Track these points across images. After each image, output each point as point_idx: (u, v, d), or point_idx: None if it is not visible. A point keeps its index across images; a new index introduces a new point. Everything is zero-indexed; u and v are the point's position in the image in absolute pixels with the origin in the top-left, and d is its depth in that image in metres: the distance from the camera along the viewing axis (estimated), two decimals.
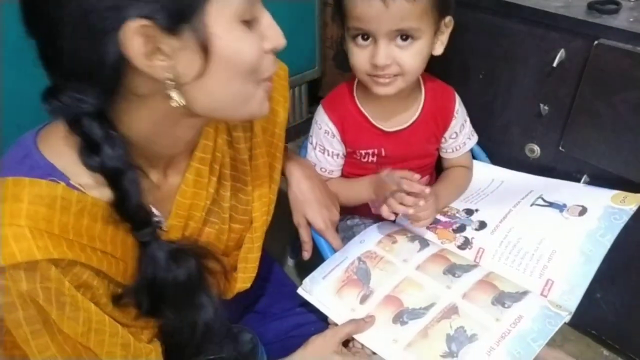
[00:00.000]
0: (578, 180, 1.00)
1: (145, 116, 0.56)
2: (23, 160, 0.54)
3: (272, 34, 0.57)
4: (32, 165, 0.54)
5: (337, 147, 0.97)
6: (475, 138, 1.05)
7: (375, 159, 0.97)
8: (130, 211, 0.56)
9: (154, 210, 0.63)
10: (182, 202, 0.69)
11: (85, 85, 0.50)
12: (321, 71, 1.76)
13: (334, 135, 0.96)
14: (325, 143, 0.97)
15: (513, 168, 1.06)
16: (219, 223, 0.76)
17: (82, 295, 0.55)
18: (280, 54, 0.89)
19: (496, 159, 1.11)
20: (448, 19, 0.85)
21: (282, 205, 0.94)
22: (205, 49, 0.50)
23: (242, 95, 0.57)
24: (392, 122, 0.95)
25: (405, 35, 0.80)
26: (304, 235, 0.93)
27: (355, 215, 1.07)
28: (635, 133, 0.89)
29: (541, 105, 1.01)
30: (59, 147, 0.55)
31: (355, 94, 0.96)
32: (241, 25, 0.53)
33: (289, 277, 1.04)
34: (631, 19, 0.89)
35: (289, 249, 1.43)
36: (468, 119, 1.03)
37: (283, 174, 0.93)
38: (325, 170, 0.99)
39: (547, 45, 0.95)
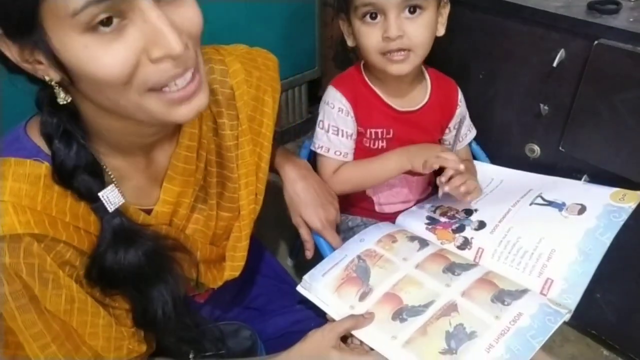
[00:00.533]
0: (578, 180, 1.00)
1: (87, 109, 0.57)
2: (12, 143, 0.58)
3: (158, 39, 0.49)
4: (18, 147, 0.57)
5: (350, 126, 0.95)
6: (474, 131, 1.07)
7: (385, 143, 0.97)
8: (63, 175, 0.57)
9: (111, 189, 0.61)
10: (170, 188, 0.70)
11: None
12: (321, 71, 1.76)
13: (348, 113, 0.94)
14: (340, 122, 0.95)
15: (513, 168, 1.06)
16: (207, 209, 0.77)
17: (63, 273, 0.57)
18: (280, 54, 0.89)
19: (496, 158, 1.11)
20: (446, 8, 0.89)
21: (282, 205, 0.94)
22: (57, 61, 0.48)
23: (129, 105, 0.53)
24: (403, 102, 0.96)
25: (413, 7, 0.83)
26: (305, 234, 0.93)
27: (357, 217, 1.07)
28: (635, 133, 0.89)
29: (541, 105, 1.01)
30: None
31: (364, 74, 0.97)
32: (90, 34, 0.46)
33: (288, 274, 1.04)
34: (631, 19, 0.89)
35: (289, 249, 1.44)
36: (467, 114, 1.05)
37: (278, 174, 0.93)
38: (340, 153, 0.96)
39: (547, 45, 0.96)
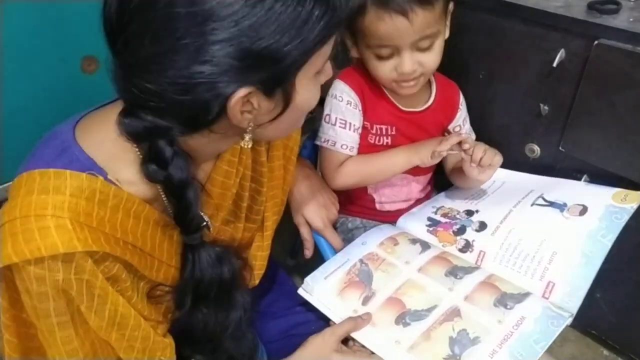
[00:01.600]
0: (578, 180, 1.00)
1: (204, 139, 0.58)
2: (62, 154, 0.56)
3: (328, 68, 0.63)
4: (71, 159, 0.55)
5: (357, 119, 0.95)
6: (473, 136, 1.06)
7: (389, 140, 0.97)
8: (190, 220, 0.59)
9: (203, 214, 0.65)
10: (208, 201, 0.70)
11: (175, 121, 0.54)
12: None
13: (356, 106, 0.94)
14: (348, 115, 0.94)
15: (513, 168, 1.06)
16: (235, 222, 0.78)
17: (112, 289, 0.56)
18: None
19: None
20: (450, 5, 0.87)
21: None
22: (287, 103, 0.57)
23: (294, 126, 0.66)
24: (408, 103, 0.96)
25: (425, 40, 0.83)
26: (305, 233, 0.93)
27: (356, 218, 1.07)
28: (635, 133, 0.89)
29: (541, 105, 1.01)
30: (99, 142, 0.57)
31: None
32: (315, 76, 0.59)
33: (288, 276, 1.04)
34: (631, 19, 0.89)
35: (289, 249, 1.43)
36: (467, 116, 1.05)
37: None
38: (346, 147, 0.95)
39: (547, 45, 0.95)
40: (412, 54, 0.83)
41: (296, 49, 0.52)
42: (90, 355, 0.58)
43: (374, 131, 0.96)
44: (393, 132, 0.96)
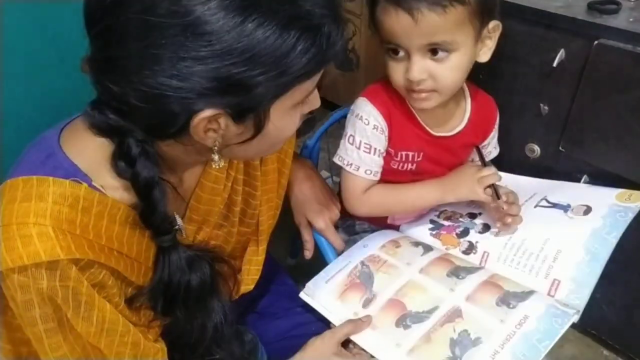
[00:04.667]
0: (578, 180, 1.00)
1: (179, 149, 0.58)
2: (46, 160, 0.55)
3: (314, 101, 0.62)
4: (55, 166, 0.54)
5: (383, 144, 0.87)
6: (497, 150, 1.01)
7: (414, 167, 0.90)
8: (157, 221, 0.58)
9: (177, 217, 0.65)
10: (197, 207, 0.69)
11: (136, 126, 0.53)
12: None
13: (382, 131, 0.86)
14: (373, 140, 0.86)
15: (513, 168, 1.05)
16: (228, 226, 0.77)
17: (97, 294, 0.55)
18: None
19: (496, 159, 1.10)
20: (493, 25, 0.78)
21: (283, 205, 0.93)
22: (258, 130, 0.56)
23: (268, 150, 0.66)
24: (439, 126, 0.89)
25: (436, 50, 0.75)
26: (305, 234, 0.93)
27: (364, 222, 1.05)
28: (635, 133, 0.89)
29: (541, 105, 1.01)
30: (83, 149, 0.56)
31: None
32: (293, 109, 0.58)
33: (289, 276, 1.04)
34: (631, 19, 0.89)
35: (289, 249, 1.43)
36: (497, 132, 0.99)
37: None
38: (371, 172, 0.88)
39: (547, 45, 0.95)
40: (423, 61, 0.75)
41: (271, 80, 0.50)
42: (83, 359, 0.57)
43: (398, 158, 0.89)
44: (419, 159, 0.90)
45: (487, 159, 0.99)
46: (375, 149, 0.87)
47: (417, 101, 0.81)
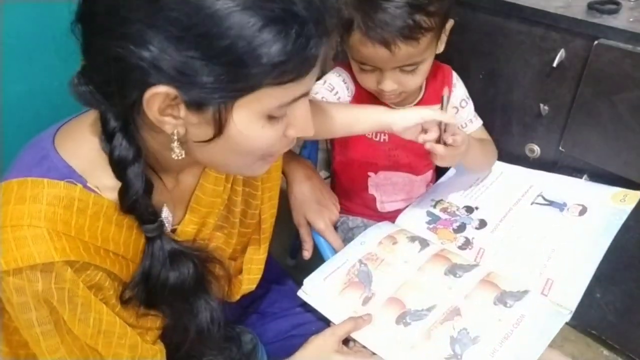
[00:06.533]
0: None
1: (157, 138, 0.56)
2: (41, 162, 0.54)
3: (302, 124, 0.57)
4: (49, 167, 0.54)
5: (346, 98, 0.94)
6: (479, 121, 1.02)
7: (386, 137, 0.97)
8: (131, 202, 0.56)
9: (165, 210, 0.64)
10: (197, 208, 0.69)
11: (109, 93, 0.51)
12: (321, 71, 1.75)
13: (352, 93, 0.94)
14: (340, 90, 0.94)
15: None
16: (228, 227, 0.76)
17: (94, 296, 0.55)
18: None
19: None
20: (448, 25, 0.86)
21: (282, 205, 0.94)
22: (219, 129, 0.52)
23: (239, 163, 0.59)
24: (402, 102, 0.95)
25: (409, 66, 0.83)
26: (304, 234, 0.93)
27: (357, 217, 1.07)
28: (635, 133, 0.89)
29: (541, 105, 1.01)
30: (77, 149, 0.56)
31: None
32: (264, 119, 0.53)
33: (289, 276, 1.04)
34: (631, 19, 0.89)
35: (289, 249, 1.43)
36: (471, 102, 1.01)
37: (283, 173, 0.92)
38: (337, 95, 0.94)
39: (547, 45, 0.95)
40: (394, 74, 0.83)
41: (225, 69, 0.47)
42: None
43: (370, 134, 0.96)
44: (386, 135, 0.96)
45: (467, 129, 1.01)
46: (337, 91, 0.93)
47: (387, 100, 0.90)
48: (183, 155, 0.55)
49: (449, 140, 0.81)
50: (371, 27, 0.77)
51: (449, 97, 0.82)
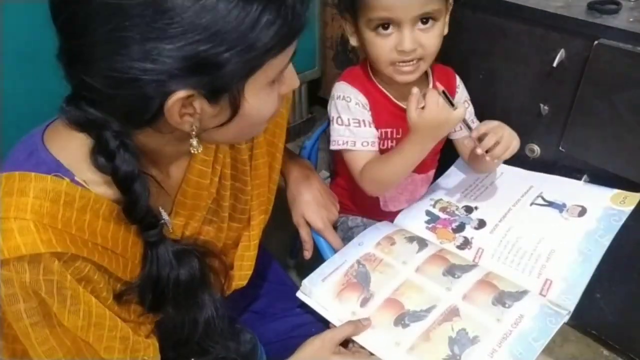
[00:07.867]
0: (578, 180, 1.00)
1: (157, 138, 0.58)
2: (29, 157, 0.55)
3: (290, 79, 0.61)
4: (37, 162, 0.54)
5: (368, 117, 0.92)
6: (477, 123, 1.01)
7: (394, 144, 0.95)
8: (139, 215, 0.57)
9: (162, 211, 0.64)
10: (184, 201, 0.69)
11: (111, 116, 0.53)
12: (321, 71, 1.76)
13: (364, 106, 0.91)
14: (359, 114, 0.91)
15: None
16: (218, 222, 0.76)
17: (83, 289, 0.55)
18: None
19: None
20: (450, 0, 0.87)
21: (282, 205, 0.94)
22: (235, 111, 0.55)
23: (250, 133, 0.65)
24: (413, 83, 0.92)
25: (426, 18, 0.82)
26: (304, 234, 0.93)
27: (357, 217, 1.07)
28: (635, 133, 0.89)
29: (541, 105, 1.01)
30: (65, 144, 0.56)
31: (371, 75, 0.94)
32: (269, 87, 0.57)
33: (288, 276, 1.04)
34: (631, 19, 0.89)
35: (289, 249, 1.43)
36: (471, 106, 1.02)
37: (281, 173, 0.93)
38: (367, 143, 0.91)
39: (547, 45, 0.95)
40: (413, 32, 0.82)
41: (239, 56, 0.50)
42: (73, 352, 0.57)
43: (379, 135, 0.94)
44: (399, 135, 0.94)
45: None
46: (363, 120, 0.91)
47: (403, 75, 0.87)
48: (201, 149, 0.58)
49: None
50: None
51: (445, 91, 0.82)
